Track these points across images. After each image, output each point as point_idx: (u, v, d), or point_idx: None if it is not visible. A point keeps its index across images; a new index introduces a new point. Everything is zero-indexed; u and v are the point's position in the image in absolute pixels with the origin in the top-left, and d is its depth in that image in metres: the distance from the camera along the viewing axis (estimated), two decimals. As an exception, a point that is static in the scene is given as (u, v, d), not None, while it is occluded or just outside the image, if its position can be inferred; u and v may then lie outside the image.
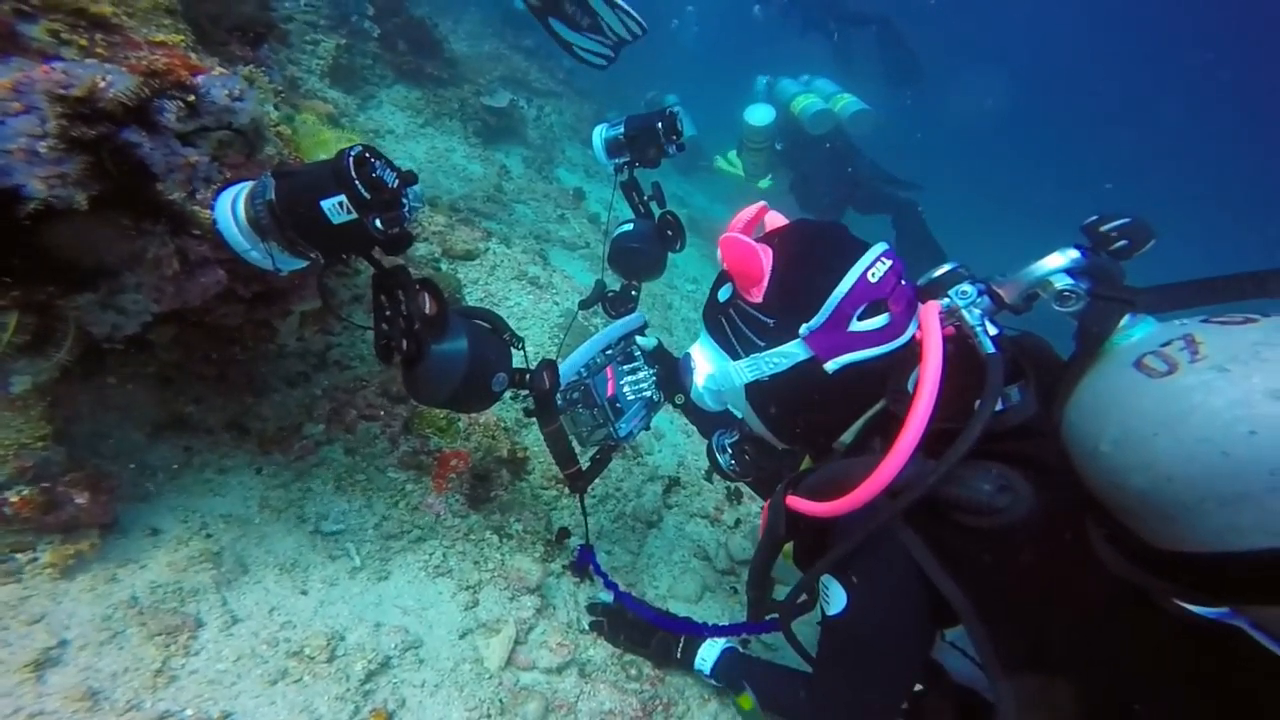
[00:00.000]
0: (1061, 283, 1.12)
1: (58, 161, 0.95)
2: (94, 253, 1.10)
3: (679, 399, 1.99)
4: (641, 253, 1.90)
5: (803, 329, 1.22)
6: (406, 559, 1.72)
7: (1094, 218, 1.18)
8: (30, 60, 1.00)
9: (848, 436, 1.34)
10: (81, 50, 1.15)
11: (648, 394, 1.87)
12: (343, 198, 1.03)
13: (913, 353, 1.22)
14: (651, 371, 1.89)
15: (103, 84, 1.00)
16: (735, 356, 1.35)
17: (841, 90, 5.82)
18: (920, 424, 1.06)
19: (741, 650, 1.80)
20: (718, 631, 1.82)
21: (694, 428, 3.27)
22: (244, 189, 1.11)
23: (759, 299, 1.27)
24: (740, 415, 1.56)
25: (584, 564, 1.95)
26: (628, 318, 1.94)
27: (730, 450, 1.70)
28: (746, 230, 1.34)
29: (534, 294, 3.28)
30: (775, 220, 1.41)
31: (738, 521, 2.71)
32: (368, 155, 1.09)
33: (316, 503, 1.72)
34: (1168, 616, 0.93)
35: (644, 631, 1.81)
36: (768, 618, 1.57)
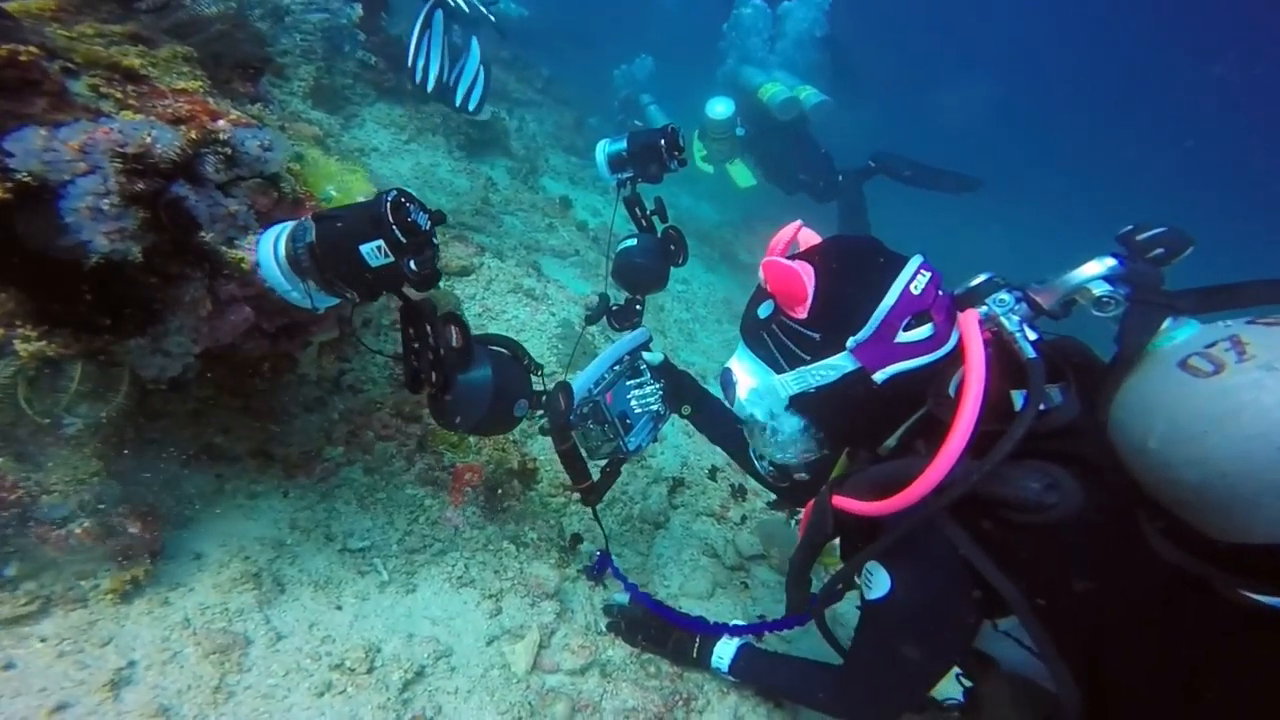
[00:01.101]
0: (1100, 289, 1.17)
1: (118, 217, 1.05)
2: (145, 300, 1.20)
3: (685, 410, 2.08)
4: (645, 267, 1.97)
5: (850, 342, 1.28)
6: (431, 571, 1.82)
7: (1129, 227, 1.22)
8: (88, 120, 1.10)
9: (892, 440, 1.42)
10: (117, 103, 1.26)
11: (655, 408, 1.95)
12: (381, 242, 1.13)
13: (954, 359, 1.31)
14: (658, 386, 1.97)
15: (149, 140, 1.10)
16: (779, 370, 1.42)
17: (801, 82, 6.10)
18: (968, 427, 1.13)
19: (757, 644, 1.90)
20: (738, 630, 1.91)
21: (694, 428, 3.40)
22: (284, 230, 1.21)
23: (803, 315, 1.34)
24: (779, 424, 1.58)
25: (602, 569, 2.06)
26: (633, 333, 2.01)
27: (768, 458, 1.80)
28: (783, 250, 1.43)
29: (530, 306, 3.39)
30: (809, 238, 1.49)
31: (743, 518, 2.83)
32: (403, 200, 1.18)
33: (342, 522, 1.82)
34: (1228, 605, 0.98)
35: (661, 631, 1.91)
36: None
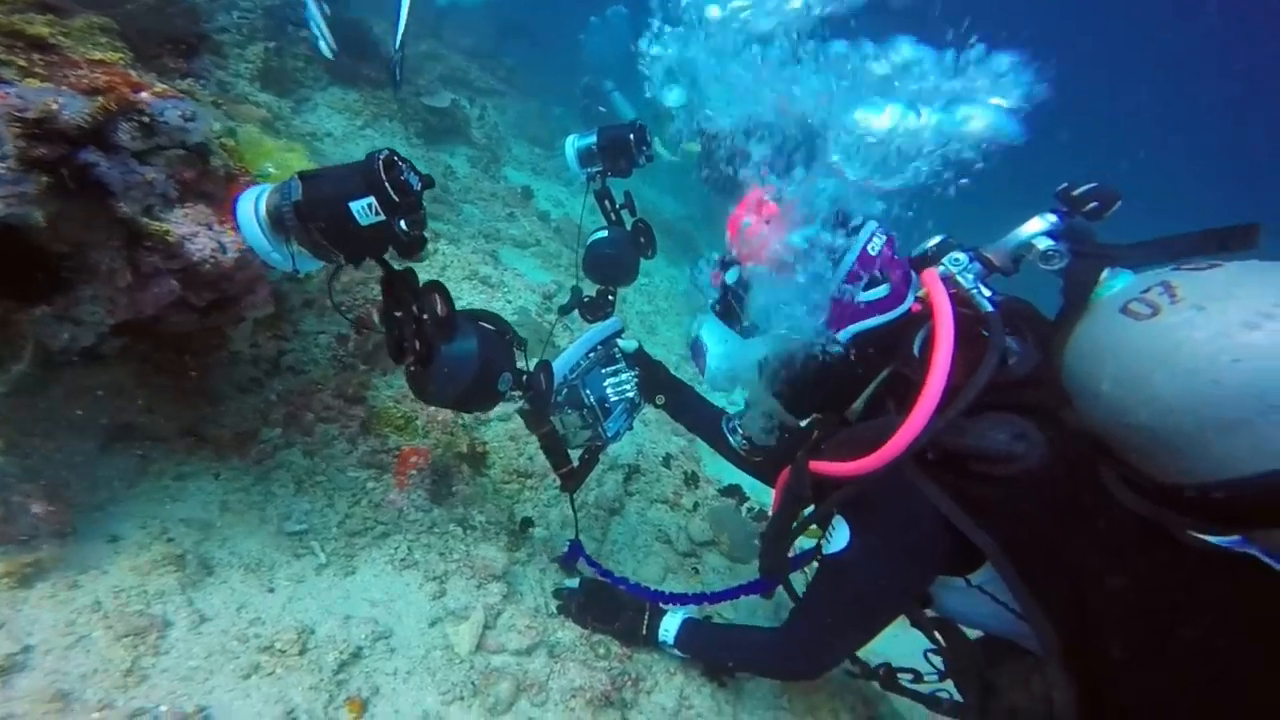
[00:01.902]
0: (1044, 244, 1.24)
1: (16, 181, 0.99)
2: (52, 267, 1.13)
3: (660, 400, 2.10)
4: (616, 260, 1.99)
5: (814, 304, 1.33)
6: (372, 554, 1.78)
7: (1065, 184, 1.28)
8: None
9: (859, 403, 1.45)
10: (21, 71, 1.19)
11: (630, 395, 1.95)
12: (372, 200, 1.09)
13: (914, 319, 1.35)
14: (634, 374, 1.97)
15: (55, 106, 1.04)
16: (746, 336, 1.45)
17: None
18: (940, 380, 1.14)
19: (698, 618, 1.91)
20: (708, 599, 1.93)
21: (654, 417, 3.40)
22: (265, 190, 1.15)
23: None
24: (752, 393, 1.65)
25: (574, 558, 2.04)
26: (606, 322, 2.02)
27: (741, 430, 1.81)
28: (759, 210, 1.42)
29: (486, 293, 3.34)
30: (773, 206, 1.48)
31: (696, 505, 2.84)
32: (395, 159, 1.14)
33: (278, 504, 1.76)
34: (1185, 548, 1.01)
35: (610, 612, 1.91)
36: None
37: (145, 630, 1.32)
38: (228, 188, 1.49)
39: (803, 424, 1.66)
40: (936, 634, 1.54)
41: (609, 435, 1.88)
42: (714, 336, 1.52)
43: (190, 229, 1.39)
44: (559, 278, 4.23)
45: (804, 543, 1.60)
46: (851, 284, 1.32)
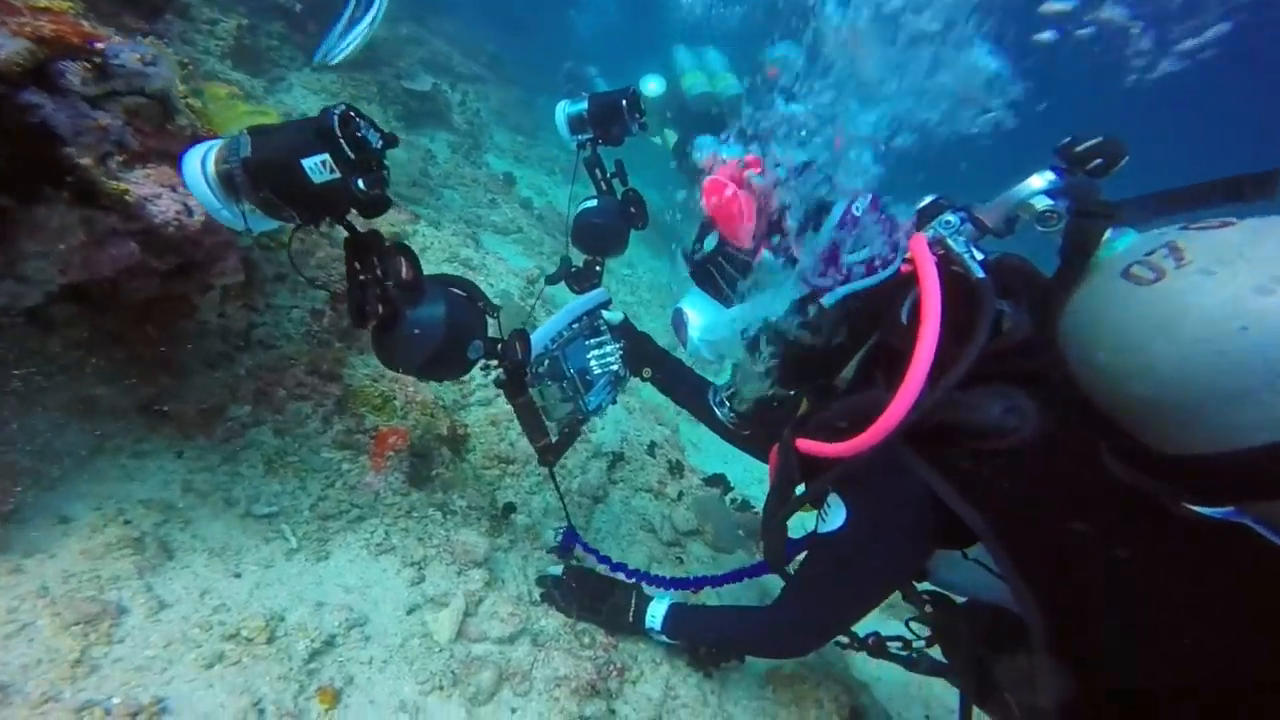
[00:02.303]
0: (1042, 204, 1.16)
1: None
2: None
3: (646, 373, 2.03)
4: (605, 229, 1.92)
5: (796, 267, 1.27)
6: (346, 538, 1.68)
7: (1067, 139, 1.19)
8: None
9: (848, 372, 1.39)
10: (-47, 14, 1.07)
11: (614, 368, 1.88)
12: (326, 157, 1.02)
13: (902, 284, 1.29)
14: (618, 346, 1.91)
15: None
16: (729, 304, 1.38)
17: (727, 69, 6.26)
18: (928, 354, 1.08)
19: (684, 603, 1.85)
20: (710, 582, 1.87)
21: (638, 404, 3.33)
22: (214, 146, 1.08)
23: (748, 244, 1.30)
24: (737, 365, 1.58)
25: (570, 546, 1.96)
26: (592, 293, 1.95)
27: (729, 403, 1.75)
28: (738, 177, 1.35)
29: (467, 277, 3.23)
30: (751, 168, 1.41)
31: (680, 494, 2.78)
32: (352, 114, 1.07)
33: (246, 486, 1.65)
34: (1178, 520, 0.96)
35: (595, 599, 1.84)
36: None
37: (97, 618, 1.22)
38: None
39: (791, 393, 1.60)
40: (928, 607, 1.51)
41: (590, 408, 1.82)
42: (696, 307, 1.46)
43: (152, 190, 1.28)
44: (542, 264, 4.13)
45: (804, 521, 1.54)
46: (835, 247, 1.25)
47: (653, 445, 2.98)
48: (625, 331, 1.98)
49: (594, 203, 1.91)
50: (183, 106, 1.39)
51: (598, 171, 1.96)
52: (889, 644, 1.71)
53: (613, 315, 1.96)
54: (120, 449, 1.54)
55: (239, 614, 1.38)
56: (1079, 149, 1.18)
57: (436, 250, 3.28)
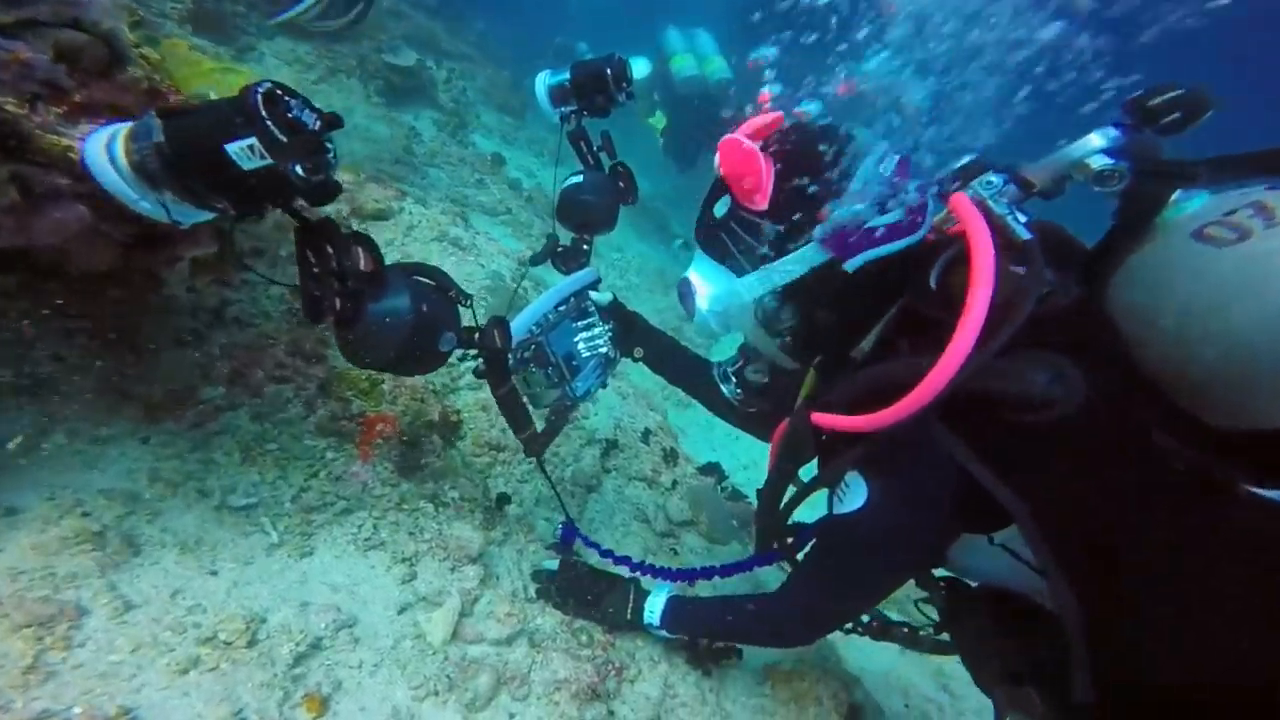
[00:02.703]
0: (1098, 163, 1.06)
1: None
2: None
3: (638, 353, 1.94)
4: (593, 205, 1.79)
5: (817, 230, 1.18)
6: (332, 532, 1.55)
7: (1140, 92, 1.08)
8: None
9: (867, 343, 1.29)
10: None
11: (604, 350, 1.80)
12: (253, 141, 0.92)
13: (930, 247, 1.20)
14: (607, 327, 1.82)
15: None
16: (740, 272, 1.29)
17: (716, 52, 6.24)
18: (979, 317, 0.97)
19: (682, 595, 1.77)
20: (718, 572, 1.77)
21: (631, 389, 3.23)
22: (120, 130, 0.97)
23: (763, 206, 1.22)
24: (747, 337, 1.49)
25: (569, 540, 1.86)
26: (580, 272, 1.85)
27: (735, 379, 1.65)
28: (755, 138, 1.26)
29: (456, 256, 3.08)
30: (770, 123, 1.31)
31: (674, 483, 2.69)
32: (280, 92, 0.96)
33: (221, 475, 1.51)
34: (1233, 501, 0.90)
35: (594, 595, 1.75)
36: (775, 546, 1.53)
37: (53, 619, 1.08)
38: (153, 105, 1.23)
39: (798, 367, 1.51)
40: (942, 591, 1.44)
41: (578, 394, 1.72)
42: (704, 275, 1.36)
43: None
44: (534, 246, 3.99)
45: (803, 513, 1.46)
46: (859, 207, 1.17)
47: (647, 432, 2.88)
48: (615, 312, 1.88)
49: (580, 178, 1.78)
50: (134, 55, 1.23)
51: (583, 144, 1.83)
52: (894, 629, 1.64)
53: (601, 296, 1.86)
54: (76, 434, 1.39)
55: (216, 615, 1.25)
56: (1154, 102, 1.07)
57: (424, 228, 3.11)
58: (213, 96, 1.37)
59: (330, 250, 1.08)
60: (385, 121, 4.73)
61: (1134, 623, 1.05)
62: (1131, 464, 1.02)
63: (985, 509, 1.11)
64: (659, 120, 6.48)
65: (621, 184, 1.85)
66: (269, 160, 0.93)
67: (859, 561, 1.30)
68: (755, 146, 1.20)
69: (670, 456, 2.80)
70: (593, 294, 1.84)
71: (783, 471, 1.38)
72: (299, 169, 0.96)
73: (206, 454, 1.52)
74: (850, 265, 1.19)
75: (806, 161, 1.21)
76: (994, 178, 1.16)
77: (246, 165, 0.93)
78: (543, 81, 1.76)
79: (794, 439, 1.28)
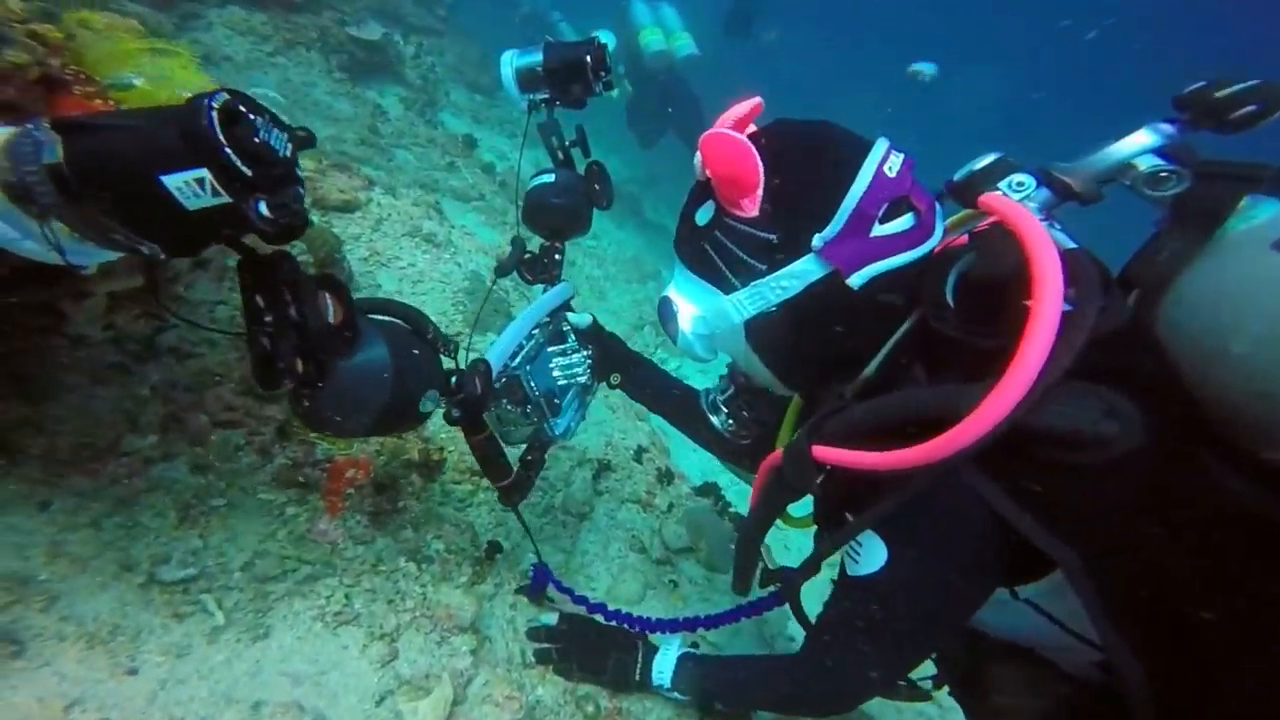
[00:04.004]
0: (1147, 164, 0.92)
1: None
2: None
3: (614, 379, 1.72)
4: (564, 209, 1.53)
5: (816, 240, 0.98)
6: (294, 606, 1.25)
7: (1200, 84, 0.93)
8: None
9: (872, 367, 1.10)
10: None
11: (582, 379, 1.56)
12: (203, 174, 0.66)
13: (942, 257, 1.03)
14: (586, 354, 1.58)
15: None
16: (729, 289, 1.07)
17: (683, 28, 6.11)
18: (1046, 340, 0.79)
19: (695, 652, 1.56)
20: (703, 623, 1.57)
21: (620, 402, 2.97)
22: None
23: (753, 212, 1.01)
24: (736, 361, 1.27)
25: (541, 585, 1.60)
26: (556, 289, 1.58)
27: (726, 409, 1.42)
28: (738, 128, 1.04)
29: (431, 253, 2.74)
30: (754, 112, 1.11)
31: (670, 506, 2.46)
32: (241, 108, 0.69)
33: (150, 542, 1.20)
34: None
35: (597, 655, 1.51)
36: (765, 591, 1.34)
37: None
38: (50, 99, 0.90)
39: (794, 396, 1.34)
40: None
41: (558, 433, 1.49)
42: (687, 293, 1.15)
43: None
44: (510, 236, 3.66)
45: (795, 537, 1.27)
46: (865, 214, 0.97)
47: (640, 450, 2.63)
48: (594, 336, 1.65)
49: (551, 177, 1.52)
50: (17, 34, 0.88)
51: (554, 139, 1.55)
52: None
53: (580, 318, 1.63)
54: (-49, 505, 1.06)
55: (134, 738, 0.96)
56: (1222, 94, 0.91)
57: (394, 222, 2.76)
58: (134, 81, 1.03)
59: (288, 296, 0.78)
60: (349, 99, 4.29)
61: (1209, 685, 0.91)
62: (1195, 508, 0.88)
63: (1018, 562, 0.96)
64: (619, 94, 6.26)
65: (596, 185, 1.58)
66: (223, 198, 0.67)
67: (885, 620, 1.10)
68: (745, 140, 0.98)
69: (665, 476, 2.56)
70: (571, 316, 1.60)
71: (770, 510, 1.21)
72: (262, 207, 0.70)
73: (130, 517, 1.21)
74: (857, 280, 0.99)
75: (801, 160, 1.01)
76: (1024, 178, 0.99)
77: (190, 204, 0.67)
78: (509, 62, 1.44)
79: (789, 476, 1.08)
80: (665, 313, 1.19)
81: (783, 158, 1.01)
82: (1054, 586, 0.97)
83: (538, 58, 1.43)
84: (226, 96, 0.69)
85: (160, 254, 0.72)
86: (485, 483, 1.97)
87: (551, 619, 1.58)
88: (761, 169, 0.99)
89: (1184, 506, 0.87)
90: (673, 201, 7.86)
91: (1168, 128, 0.93)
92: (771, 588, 1.57)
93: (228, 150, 0.66)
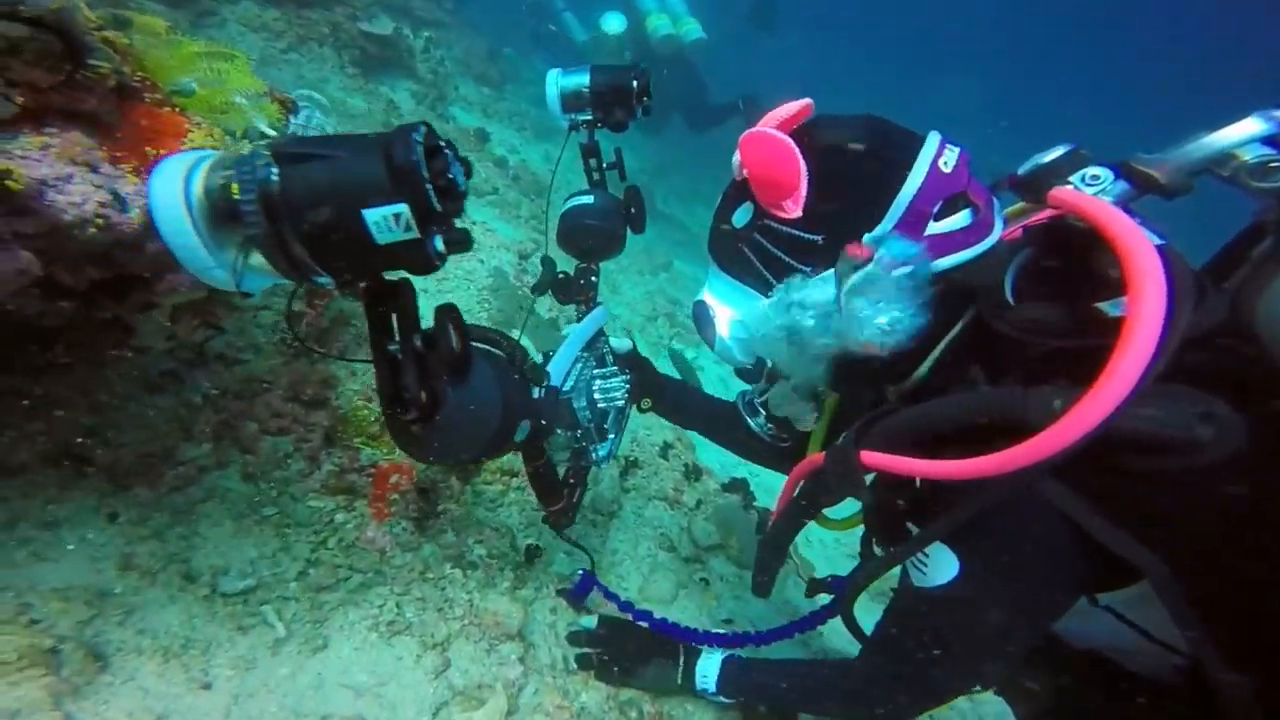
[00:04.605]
0: (1255, 153, 0.86)
1: None
2: None
3: (645, 404, 1.75)
4: (602, 231, 1.53)
5: (866, 239, 0.95)
6: (348, 616, 1.26)
7: None
8: None
9: (925, 368, 1.07)
10: None
11: (619, 403, 1.57)
12: (404, 209, 0.65)
13: (997, 253, 0.99)
14: (625, 379, 1.59)
15: None
16: (767, 292, 1.04)
17: (689, 13, 6.08)
18: (1149, 340, 0.74)
19: (739, 654, 1.56)
20: (755, 639, 1.55)
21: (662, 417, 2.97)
22: (204, 160, 0.67)
23: (796, 213, 0.97)
24: (778, 365, 1.23)
25: (585, 591, 1.61)
26: (596, 313, 1.59)
27: (765, 410, 1.41)
28: (784, 129, 1.00)
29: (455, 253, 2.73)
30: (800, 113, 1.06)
31: (699, 503, 2.47)
32: (436, 138, 0.70)
33: (210, 552, 1.21)
34: None
35: (639, 660, 1.51)
36: (820, 606, 1.33)
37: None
38: (123, 108, 0.89)
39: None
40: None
41: (601, 457, 1.51)
42: (723, 297, 1.12)
43: (55, 169, 0.78)
44: (532, 234, 3.65)
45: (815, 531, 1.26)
46: (920, 211, 0.94)
47: (666, 446, 2.64)
48: (634, 361, 1.69)
49: (589, 200, 1.51)
50: (97, 42, 0.88)
51: (593, 160, 1.56)
52: None
53: (620, 342, 1.66)
54: (19, 516, 1.06)
55: (214, 755, 0.97)
56: None
57: (417, 222, 2.74)
58: (194, 86, 1.02)
59: (410, 325, 0.79)
60: (362, 94, 4.25)
61: None
62: None
63: (1100, 571, 0.92)
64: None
65: (632, 209, 1.58)
66: (413, 234, 0.67)
67: (959, 643, 1.08)
68: (788, 140, 0.95)
69: (692, 472, 2.57)
70: (612, 341, 1.64)
71: (805, 513, 1.19)
72: (439, 242, 0.70)
73: (191, 527, 1.21)
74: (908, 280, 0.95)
75: (848, 158, 0.97)
76: (1101, 171, 0.93)
77: (382, 238, 0.66)
78: (554, 81, 1.44)
79: (832, 482, 1.04)
80: (701, 317, 1.16)
81: (829, 156, 0.97)
82: (1139, 593, 0.93)
83: (584, 79, 1.43)
84: (425, 127, 0.69)
85: (333, 285, 0.72)
86: (516, 482, 1.98)
87: (591, 622, 1.59)
88: (805, 169, 0.96)
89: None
90: (683, 192, 7.82)
91: (1279, 113, 0.86)
92: (820, 598, 1.56)
93: (429, 186, 0.66)
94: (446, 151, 0.69)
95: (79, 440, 1.11)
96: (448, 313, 0.81)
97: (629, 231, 1.59)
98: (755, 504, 2.70)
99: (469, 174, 0.75)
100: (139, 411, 1.22)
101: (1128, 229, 0.81)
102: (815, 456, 1.12)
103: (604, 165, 1.58)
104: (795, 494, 1.20)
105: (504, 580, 1.52)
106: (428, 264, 0.71)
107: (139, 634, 1.07)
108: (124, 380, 1.20)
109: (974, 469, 0.85)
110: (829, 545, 3.00)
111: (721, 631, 1.64)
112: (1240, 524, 0.84)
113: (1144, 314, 0.75)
